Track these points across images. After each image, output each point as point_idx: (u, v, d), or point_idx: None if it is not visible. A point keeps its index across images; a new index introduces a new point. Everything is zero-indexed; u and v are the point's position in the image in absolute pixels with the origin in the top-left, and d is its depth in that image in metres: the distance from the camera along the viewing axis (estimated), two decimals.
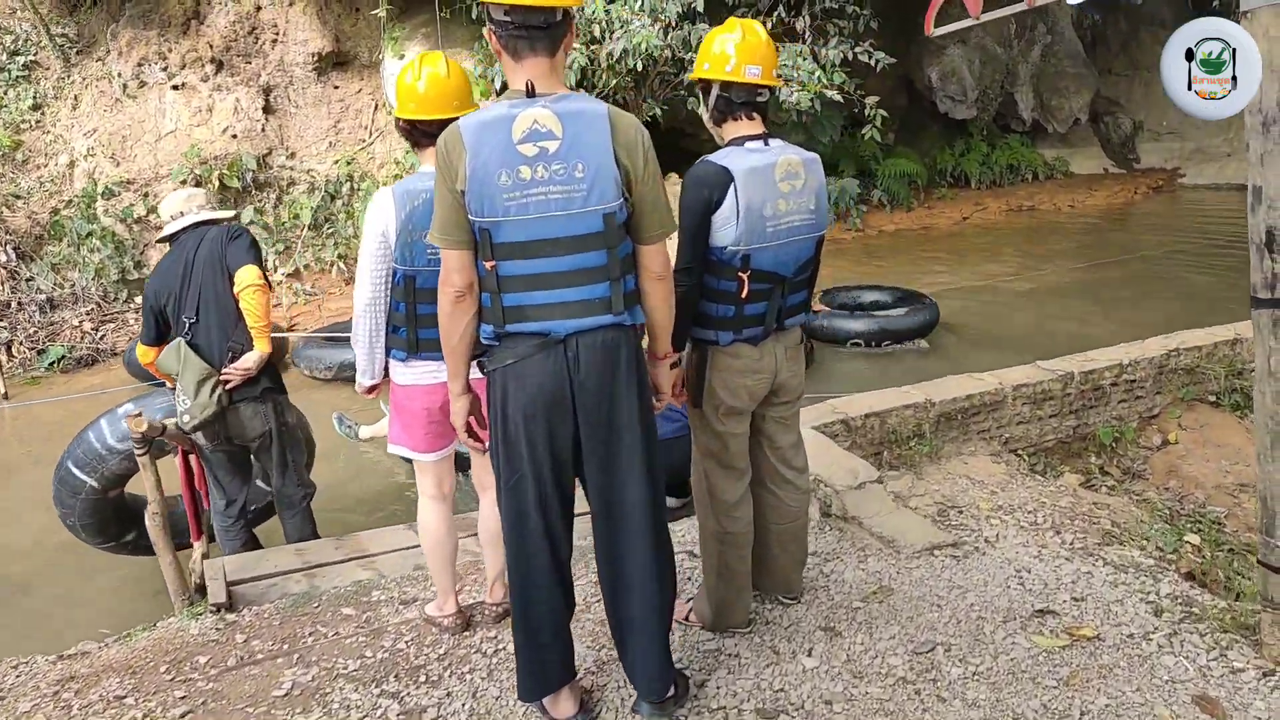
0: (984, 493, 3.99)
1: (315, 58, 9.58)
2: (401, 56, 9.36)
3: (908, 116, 15.08)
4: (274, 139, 9.71)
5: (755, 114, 2.61)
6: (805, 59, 9.12)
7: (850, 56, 9.36)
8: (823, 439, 3.87)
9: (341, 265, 9.54)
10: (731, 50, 2.54)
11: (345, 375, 6.73)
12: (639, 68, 8.86)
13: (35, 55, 9.41)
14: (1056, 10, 15.36)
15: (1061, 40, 15.50)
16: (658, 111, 10.06)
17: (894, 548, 3.26)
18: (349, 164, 9.91)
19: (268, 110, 9.71)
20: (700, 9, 8.54)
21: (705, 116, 2.67)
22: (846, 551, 3.33)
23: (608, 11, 8.23)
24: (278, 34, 9.51)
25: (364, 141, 9.97)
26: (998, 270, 10.77)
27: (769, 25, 9.50)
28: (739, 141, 2.58)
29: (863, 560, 3.24)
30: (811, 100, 8.93)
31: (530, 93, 2.05)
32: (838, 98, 9.01)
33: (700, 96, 2.67)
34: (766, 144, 2.57)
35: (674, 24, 8.78)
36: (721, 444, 2.68)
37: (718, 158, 2.53)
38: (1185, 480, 4.71)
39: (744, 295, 2.54)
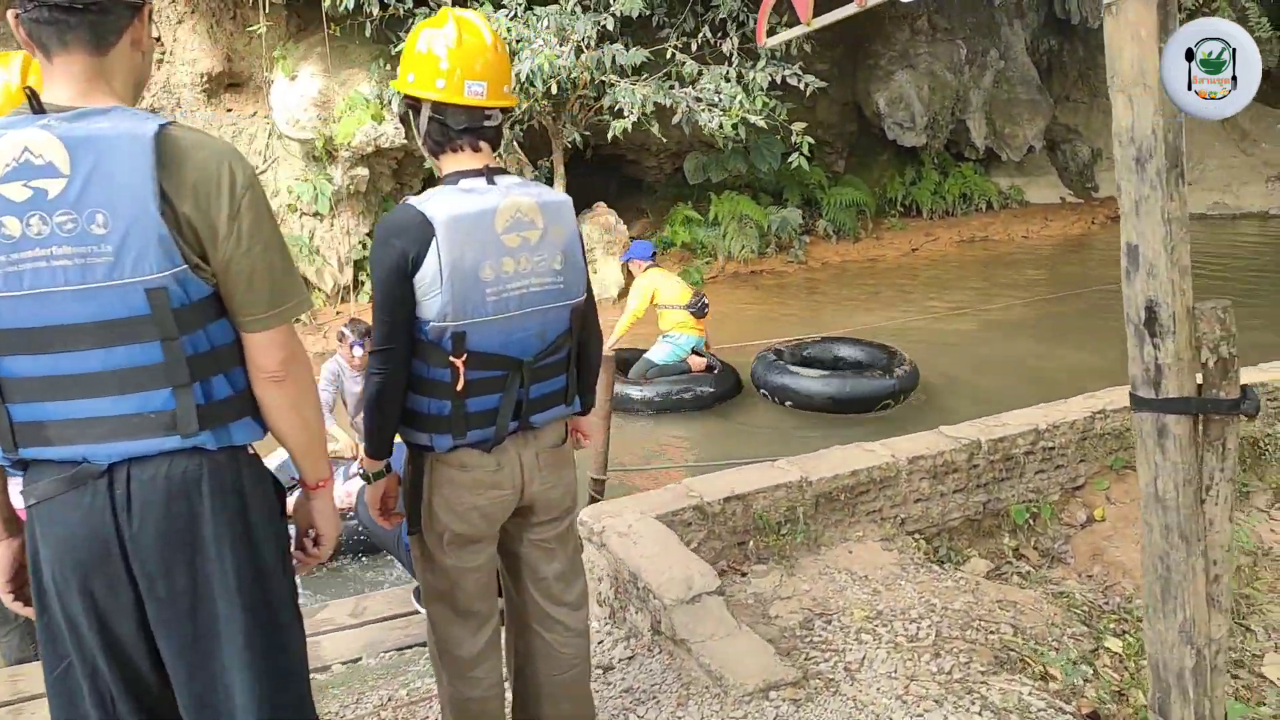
0: (864, 592, 3.33)
1: (205, 78, 8.91)
2: (293, 77, 8.71)
3: (858, 144, 14.59)
4: None
5: (482, 143, 1.96)
6: (730, 82, 8.55)
7: (779, 80, 8.79)
8: (663, 533, 3.20)
9: None
10: (444, 56, 1.89)
11: None
12: (552, 90, 8.24)
13: None
14: (1009, 35, 14.96)
15: (1015, 66, 15.07)
16: (576, 137, 9.45)
17: (721, 686, 2.58)
18: None
19: None
20: (612, 29, 7.95)
21: (419, 141, 2.02)
22: (666, 689, 2.65)
23: (509, 30, 7.62)
24: (164, 53, 8.83)
25: (257, 169, 9.28)
26: (942, 305, 10.21)
27: (694, 48, 8.95)
28: (454, 178, 1.92)
29: (682, 704, 2.56)
30: (735, 126, 8.35)
31: (36, 106, 1.38)
32: (762, 124, 8.43)
33: (411, 117, 2.01)
34: (491, 181, 1.92)
35: (589, 44, 8.19)
36: (450, 582, 2.02)
37: (420, 201, 1.87)
38: (1111, 566, 4.06)
39: (460, 388, 1.87)
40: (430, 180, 9.11)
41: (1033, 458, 4.18)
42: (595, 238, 10.80)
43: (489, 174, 1.92)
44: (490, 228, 1.86)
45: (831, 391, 6.68)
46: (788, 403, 6.84)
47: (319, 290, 9.51)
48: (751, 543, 3.55)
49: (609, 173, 14.36)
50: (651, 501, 3.45)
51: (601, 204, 11.37)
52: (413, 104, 1.96)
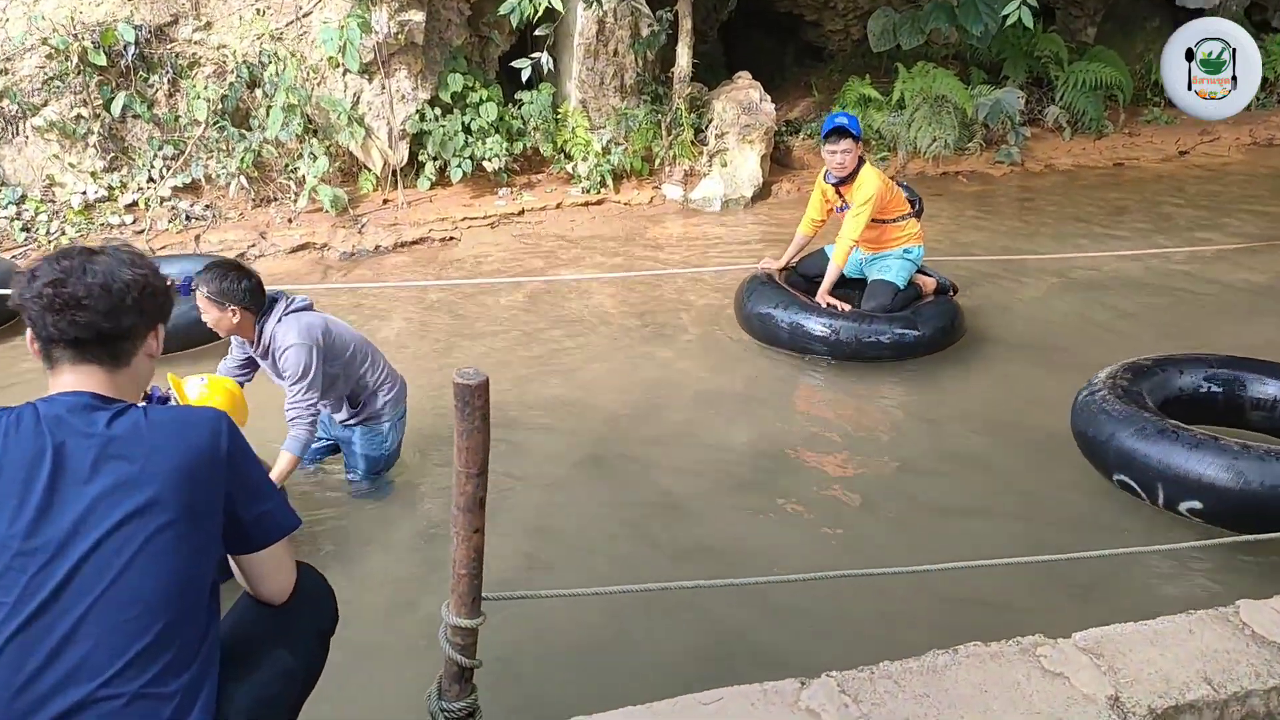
0: None
1: None
2: None
3: (1118, 2, 10.90)
4: (185, 3, 7.23)
5: None
6: None
7: None
8: None
9: (243, 180, 7.04)
10: None
11: None
12: None
13: None
14: None
15: None
16: None
17: None
18: (276, 39, 7.31)
19: None
20: None
21: None
22: None
23: None
24: None
25: (300, 9, 7.32)
26: (1213, 239, 7.00)
27: None
28: None
29: None
30: None
31: None
32: None
33: None
34: None
35: None
36: None
37: None
38: None
39: None
40: (528, 31, 6.73)
41: None
42: (729, 118, 8.20)
43: None
44: None
45: None
46: (1185, 507, 3.31)
47: (367, 171, 7.58)
48: None
49: (786, 37, 11.51)
50: None
51: (745, 74, 8.68)
52: None
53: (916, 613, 3.01)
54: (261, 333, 3.30)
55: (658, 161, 8.25)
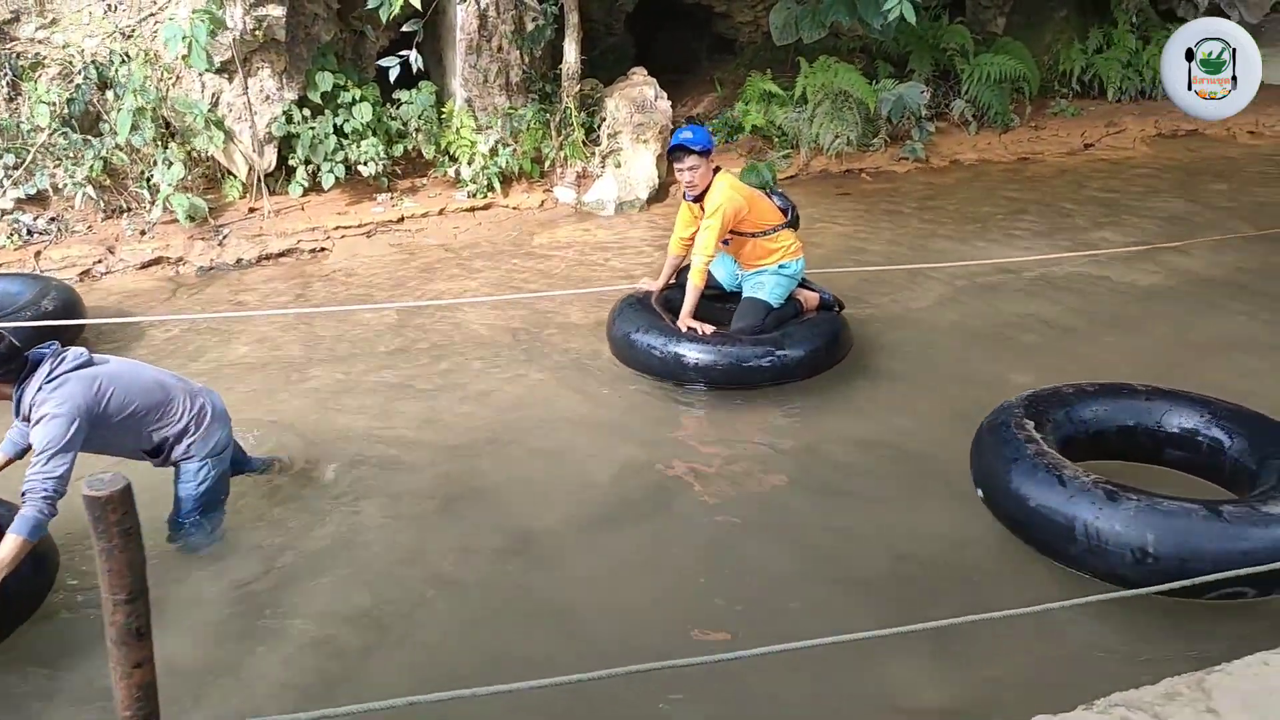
0: None
1: None
2: None
3: None
4: None
5: None
6: None
7: None
8: None
9: (91, 192, 6.51)
10: None
11: None
12: None
13: None
14: None
15: None
16: None
17: None
18: (128, 37, 6.77)
19: None
20: None
21: None
22: None
23: None
24: None
25: (154, 3, 6.78)
26: (1115, 239, 6.87)
27: None
28: None
29: None
30: None
31: None
32: None
33: None
34: None
35: None
36: None
37: None
38: None
39: None
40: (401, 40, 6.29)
41: None
42: (622, 117, 7.86)
43: None
44: None
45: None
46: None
47: (233, 178, 7.09)
48: None
49: (700, 30, 11.18)
50: None
51: (640, 70, 8.35)
52: None
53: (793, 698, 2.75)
54: (20, 400, 2.92)
55: (548, 163, 7.87)
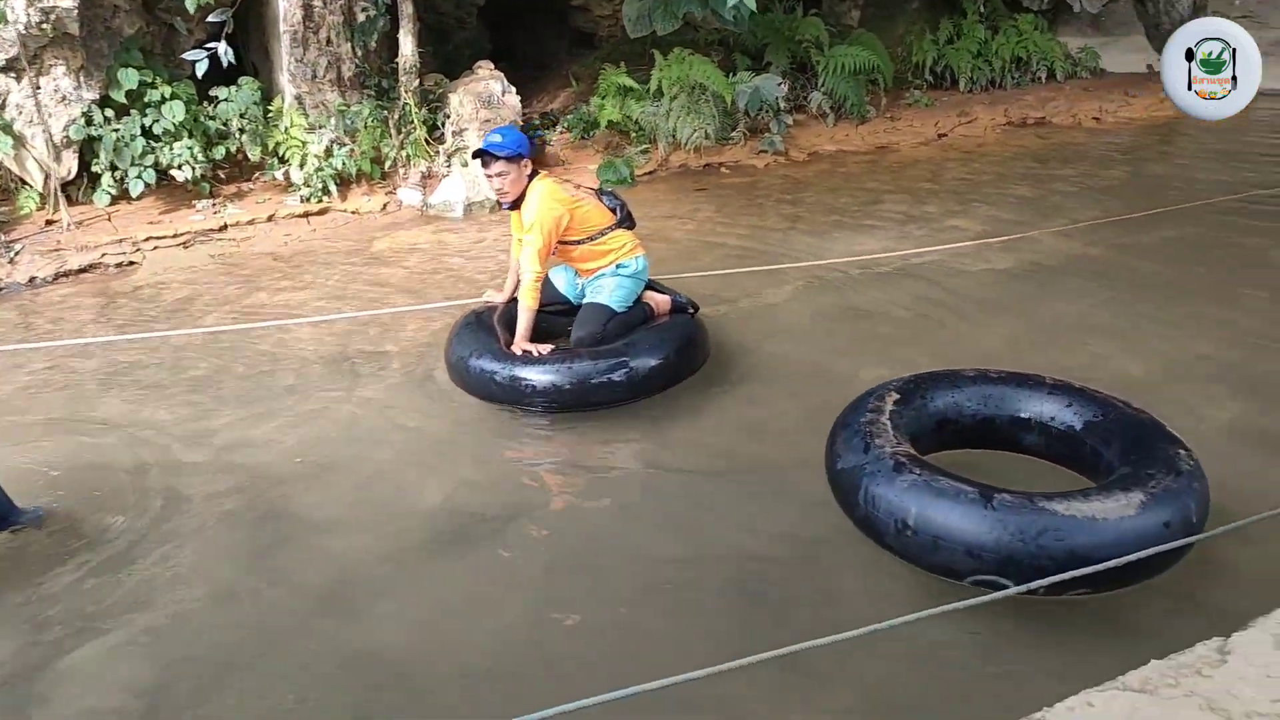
0: None
1: None
2: None
3: None
4: None
5: None
6: None
7: None
8: None
9: None
10: None
11: None
12: None
13: None
14: None
15: None
16: None
17: None
18: None
19: None
20: None
21: None
22: None
23: None
24: None
25: None
26: (969, 226, 6.85)
27: None
28: None
29: None
30: None
31: None
32: None
33: None
34: None
35: None
36: None
37: None
38: None
39: None
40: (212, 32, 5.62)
41: None
42: (468, 113, 7.44)
43: None
44: None
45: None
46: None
47: (27, 188, 6.36)
48: None
49: (559, 23, 10.83)
50: None
51: (486, 64, 7.95)
52: None
53: None
54: None
55: (389, 163, 7.39)
